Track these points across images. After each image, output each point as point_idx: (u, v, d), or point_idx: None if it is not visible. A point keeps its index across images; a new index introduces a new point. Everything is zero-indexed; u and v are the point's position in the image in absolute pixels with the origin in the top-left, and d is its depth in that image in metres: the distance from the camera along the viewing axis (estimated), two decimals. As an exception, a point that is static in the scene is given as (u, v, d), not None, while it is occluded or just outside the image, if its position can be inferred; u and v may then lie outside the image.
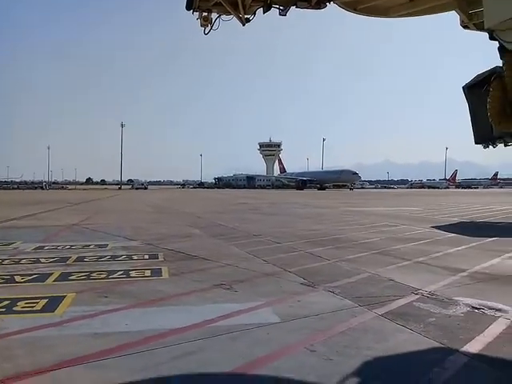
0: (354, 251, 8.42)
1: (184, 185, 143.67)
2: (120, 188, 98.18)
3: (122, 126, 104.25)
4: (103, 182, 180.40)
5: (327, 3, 8.58)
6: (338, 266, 7.02)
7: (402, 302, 4.86)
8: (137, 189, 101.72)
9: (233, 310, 4.48)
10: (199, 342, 3.60)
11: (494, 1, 4.28)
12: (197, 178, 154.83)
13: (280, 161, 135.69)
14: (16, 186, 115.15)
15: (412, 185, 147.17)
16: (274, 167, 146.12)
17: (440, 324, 4.10)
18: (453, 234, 11.49)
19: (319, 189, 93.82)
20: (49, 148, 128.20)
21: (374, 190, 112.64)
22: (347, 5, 8.63)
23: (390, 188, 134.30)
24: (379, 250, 8.54)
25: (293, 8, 8.48)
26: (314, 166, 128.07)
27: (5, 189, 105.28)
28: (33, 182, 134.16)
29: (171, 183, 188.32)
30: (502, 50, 4.56)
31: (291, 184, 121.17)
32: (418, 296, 5.10)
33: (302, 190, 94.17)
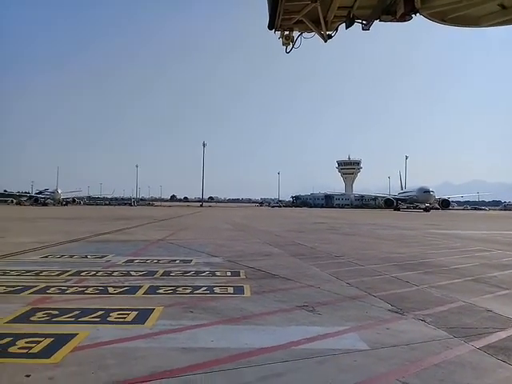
0: (444, 277, 7.88)
1: (262, 203, 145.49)
2: (201, 205, 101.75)
3: (204, 145, 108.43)
4: (186, 199, 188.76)
5: (413, 15, 8.28)
6: (428, 292, 6.59)
7: (502, 334, 4.44)
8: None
9: (318, 333, 4.37)
10: (286, 363, 3.54)
11: None
12: (274, 195, 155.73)
13: (400, 179, 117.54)
14: (108, 202, 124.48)
15: (506, 206, 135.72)
16: (353, 185, 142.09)
17: (547, 361, 3.66)
18: (558, 262, 10.36)
19: (425, 210, 76.27)
20: (137, 166, 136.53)
21: (463, 211, 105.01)
22: (434, 15, 8.25)
23: (480, 209, 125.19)
24: (473, 277, 7.91)
25: (376, 22, 8.30)
26: (397, 184, 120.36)
27: (98, 204, 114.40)
28: (122, 199, 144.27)
29: (249, 201, 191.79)
30: None
31: (371, 203, 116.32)
32: (520, 329, 4.63)
33: (398, 210, 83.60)
